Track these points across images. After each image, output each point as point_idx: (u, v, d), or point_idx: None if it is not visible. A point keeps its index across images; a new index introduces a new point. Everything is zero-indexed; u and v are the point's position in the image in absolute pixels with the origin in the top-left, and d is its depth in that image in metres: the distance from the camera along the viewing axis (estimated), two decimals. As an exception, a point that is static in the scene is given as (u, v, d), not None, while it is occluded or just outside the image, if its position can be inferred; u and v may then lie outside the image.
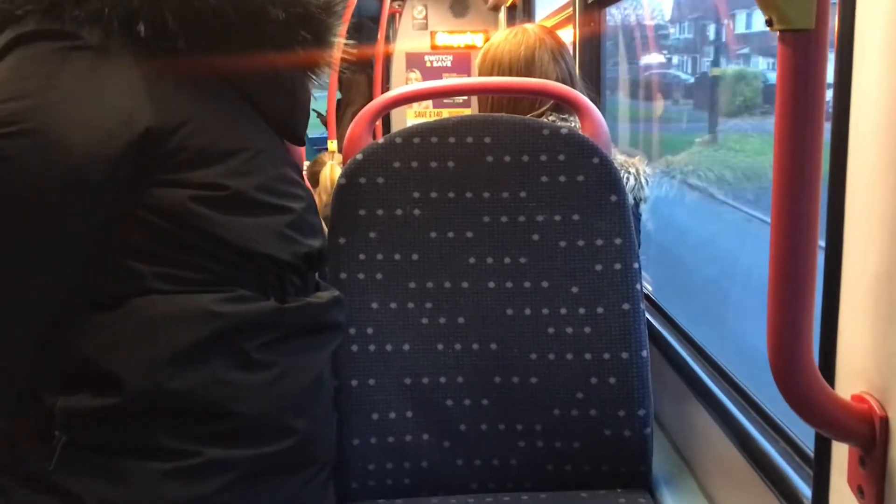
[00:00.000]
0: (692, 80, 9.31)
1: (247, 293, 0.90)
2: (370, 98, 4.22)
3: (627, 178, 1.57)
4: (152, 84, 0.85)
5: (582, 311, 1.24)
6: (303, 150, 1.20)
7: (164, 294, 0.86)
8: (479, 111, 1.70)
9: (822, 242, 0.67)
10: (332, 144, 3.61)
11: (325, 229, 1.33)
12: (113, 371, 0.84)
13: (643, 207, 1.66)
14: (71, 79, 0.81)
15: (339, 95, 4.82)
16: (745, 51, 7.91)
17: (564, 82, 1.57)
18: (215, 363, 0.87)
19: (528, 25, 1.76)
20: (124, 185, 0.83)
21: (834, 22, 0.66)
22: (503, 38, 1.70)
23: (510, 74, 1.64)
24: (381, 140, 1.29)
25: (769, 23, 0.58)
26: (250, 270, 0.90)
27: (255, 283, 0.91)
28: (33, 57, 0.82)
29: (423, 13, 5.35)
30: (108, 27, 0.84)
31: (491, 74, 1.67)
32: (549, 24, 3.02)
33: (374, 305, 1.26)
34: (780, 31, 0.58)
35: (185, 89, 0.88)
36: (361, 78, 4.94)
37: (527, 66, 1.64)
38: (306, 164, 3.23)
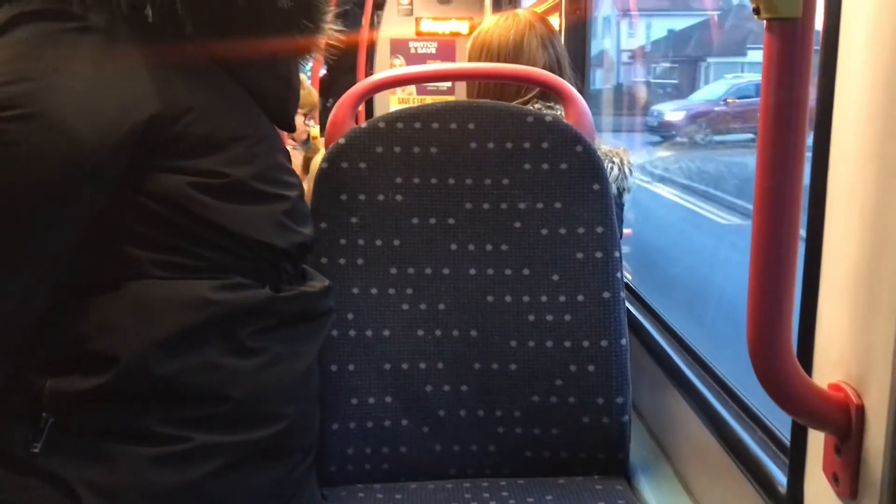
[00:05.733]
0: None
1: (242, 280, 0.90)
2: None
3: (611, 168, 1.57)
4: (157, 70, 0.84)
5: (562, 298, 1.25)
6: (285, 135, 1.20)
7: (161, 279, 0.85)
8: (467, 96, 1.69)
9: (802, 232, 0.68)
10: (315, 130, 3.58)
11: None
12: (104, 352, 0.84)
13: (626, 197, 1.67)
14: (76, 63, 0.80)
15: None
16: None
17: (552, 69, 1.57)
18: (208, 349, 0.87)
19: (519, 11, 1.76)
20: (126, 171, 0.82)
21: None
22: (494, 22, 1.70)
23: (498, 59, 1.64)
24: (363, 125, 1.28)
25: (756, 11, 0.58)
26: (247, 258, 0.90)
27: (251, 271, 0.91)
28: (38, 37, 0.80)
29: (409, -1, 5.32)
30: (116, 10, 0.82)
31: (480, 59, 1.67)
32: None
33: (355, 291, 1.26)
34: (767, 19, 0.58)
35: (189, 76, 0.87)
36: None
37: (515, 51, 1.64)
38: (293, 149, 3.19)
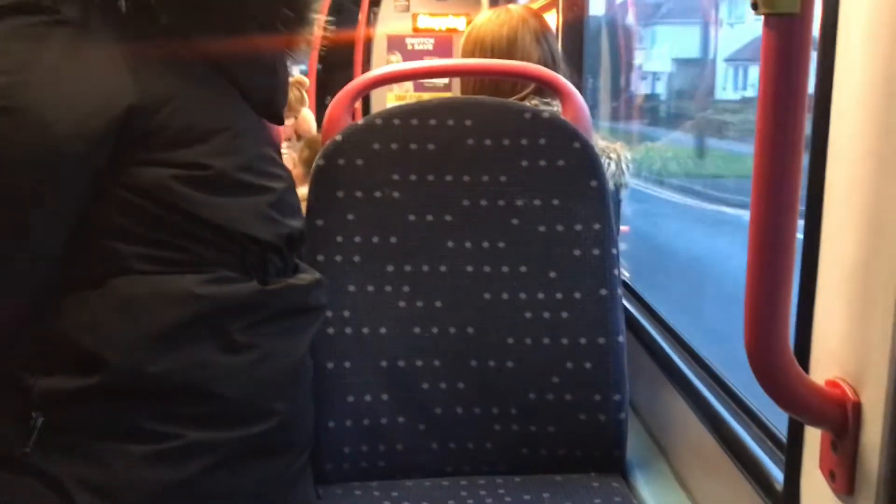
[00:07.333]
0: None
1: (228, 274, 0.89)
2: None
3: (608, 164, 1.57)
4: (134, 62, 0.83)
5: (559, 295, 1.24)
6: (280, 129, 1.19)
7: (145, 274, 0.85)
8: (462, 92, 1.69)
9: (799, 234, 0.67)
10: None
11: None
12: (93, 350, 0.83)
13: (623, 193, 1.67)
14: (51, 56, 0.79)
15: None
16: None
17: (546, 65, 1.56)
18: (197, 345, 0.87)
19: (511, 6, 1.75)
20: (106, 165, 0.81)
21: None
22: (487, 18, 1.70)
23: (492, 55, 1.63)
24: (360, 121, 1.27)
25: (755, 6, 0.58)
26: (232, 251, 0.89)
27: (237, 264, 0.90)
28: (11, 32, 0.79)
29: (406, -5, 5.31)
30: (88, 2, 0.82)
31: (473, 55, 1.66)
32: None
33: (352, 288, 1.25)
34: (766, 14, 0.57)
35: (167, 68, 0.86)
36: None
37: (509, 46, 1.63)
38: (286, 143, 3.20)
